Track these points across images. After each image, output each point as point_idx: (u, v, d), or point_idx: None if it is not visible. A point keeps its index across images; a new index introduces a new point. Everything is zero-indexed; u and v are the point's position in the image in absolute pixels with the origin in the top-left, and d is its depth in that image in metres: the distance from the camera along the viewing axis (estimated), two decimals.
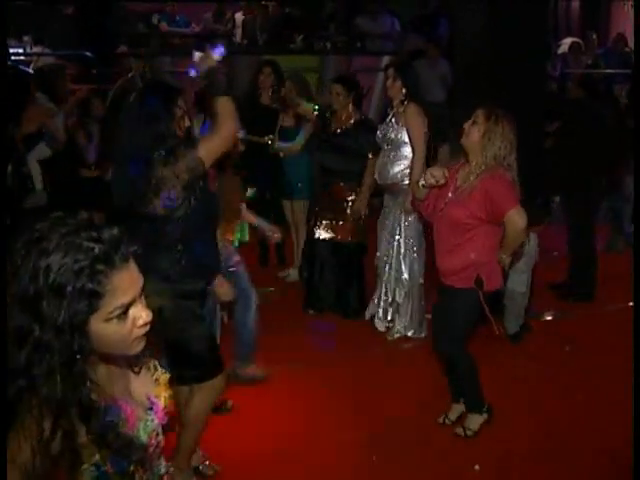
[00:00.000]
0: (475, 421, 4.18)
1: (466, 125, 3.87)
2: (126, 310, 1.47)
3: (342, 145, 5.62)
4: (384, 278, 5.43)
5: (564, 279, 6.32)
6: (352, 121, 5.64)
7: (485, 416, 4.19)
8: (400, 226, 5.31)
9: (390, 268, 5.38)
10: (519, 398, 4.57)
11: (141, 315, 1.50)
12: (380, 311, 5.50)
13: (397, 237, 5.31)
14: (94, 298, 1.40)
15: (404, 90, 5.16)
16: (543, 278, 6.00)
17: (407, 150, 5.20)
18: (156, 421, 1.69)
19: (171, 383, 1.77)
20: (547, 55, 7.83)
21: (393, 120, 5.26)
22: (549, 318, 5.84)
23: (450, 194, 3.87)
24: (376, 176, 5.39)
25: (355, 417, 4.35)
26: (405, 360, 5.17)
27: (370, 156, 5.51)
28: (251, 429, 4.18)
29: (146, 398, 1.68)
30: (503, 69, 5.39)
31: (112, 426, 1.53)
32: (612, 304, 6.03)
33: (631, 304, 5.90)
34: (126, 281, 1.45)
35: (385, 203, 5.52)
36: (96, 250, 1.40)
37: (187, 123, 3.34)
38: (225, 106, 3.28)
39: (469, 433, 4.15)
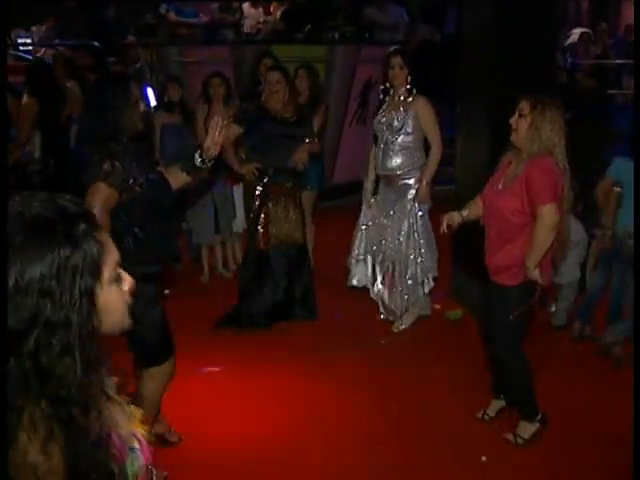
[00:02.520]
0: (528, 430, 4.02)
1: (512, 120, 3.75)
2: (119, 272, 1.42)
3: (295, 134, 5.43)
4: (394, 273, 5.40)
5: None
6: (294, 109, 5.44)
7: (538, 425, 4.04)
8: (411, 222, 5.25)
9: (397, 263, 5.34)
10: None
11: (127, 277, 1.45)
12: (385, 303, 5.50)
13: (407, 232, 5.24)
14: (96, 260, 1.33)
15: (409, 78, 5.14)
16: None
17: (409, 139, 5.19)
18: (142, 461, 1.50)
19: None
20: (556, 45, 7.78)
21: (401, 108, 5.18)
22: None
23: (500, 186, 3.81)
24: (377, 166, 5.34)
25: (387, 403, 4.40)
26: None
27: (308, 141, 5.42)
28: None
29: (131, 434, 1.49)
30: (511, 59, 5.35)
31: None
32: None
33: None
34: (109, 239, 1.41)
35: (383, 196, 5.42)
36: (76, 210, 1.34)
37: (142, 109, 3.53)
38: (183, 179, 3.52)
39: (519, 441, 4.00)
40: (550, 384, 4.38)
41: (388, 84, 5.26)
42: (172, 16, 10.55)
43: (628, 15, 12.43)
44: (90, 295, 1.33)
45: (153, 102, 7.20)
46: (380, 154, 5.31)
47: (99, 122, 3.32)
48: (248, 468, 3.74)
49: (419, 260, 5.26)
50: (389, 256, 5.37)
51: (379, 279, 5.52)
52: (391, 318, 5.49)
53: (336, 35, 9.13)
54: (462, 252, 5.83)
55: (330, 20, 9.32)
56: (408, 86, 5.16)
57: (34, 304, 1.27)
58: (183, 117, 6.44)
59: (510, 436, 4.03)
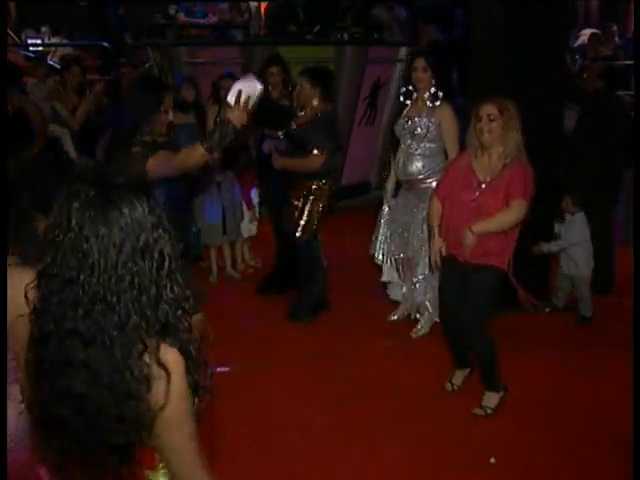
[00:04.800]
0: (494, 399, 4.27)
1: (483, 124, 3.99)
2: None
3: (300, 141, 5.40)
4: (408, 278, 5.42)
5: None
6: (314, 116, 5.39)
7: (502, 393, 4.28)
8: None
9: (412, 267, 5.35)
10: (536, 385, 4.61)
11: None
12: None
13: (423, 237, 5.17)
14: None
15: (434, 81, 5.07)
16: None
17: (432, 146, 5.12)
18: None
19: None
20: (566, 46, 7.76)
21: (425, 115, 5.09)
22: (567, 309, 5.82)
23: (483, 185, 4.04)
24: (398, 170, 5.28)
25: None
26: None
27: (315, 152, 5.30)
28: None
29: None
30: (521, 60, 5.34)
31: None
32: (631, 296, 5.96)
33: None
34: None
35: (404, 199, 5.35)
36: None
37: (169, 118, 3.79)
38: (198, 157, 3.53)
39: (489, 411, 4.24)
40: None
41: (411, 86, 5.20)
42: (182, 17, 10.60)
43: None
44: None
45: None
46: (401, 159, 5.23)
47: (125, 123, 3.46)
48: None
49: None
50: (410, 250, 5.32)
51: (400, 275, 5.58)
52: (413, 315, 5.49)
53: (345, 36, 9.13)
54: None
55: (339, 21, 9.33)
56: (433, 89, 5.08)
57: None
58: (197, 117, 6.50)
59: (478, 410, 4.23)
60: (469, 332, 4.22)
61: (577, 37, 10.54)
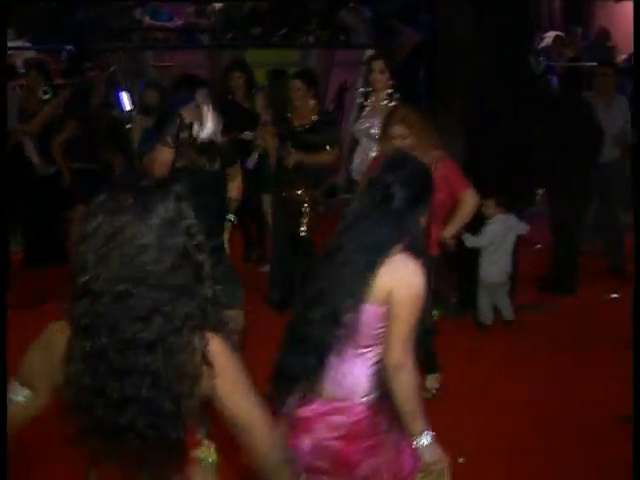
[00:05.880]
0: (435, 380, 4.48)
1: (401, 129, 4.06)
2: None
3: (308, 141, 5.47)
4: None
5: (547, 271, 6.34)
6: (315, 117, 5.50)
7: (438, 373, 4.50)
8: None
9: None
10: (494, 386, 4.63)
11: None
12: None
13: None
14: None
15: (391, 83, 5.09)
16: (526, 270, 6.02)
17: None
18: None
19: None
20: (530, 49, 7.83)
21: (381, 116, 5.11)
22: (531, 310, 5.83)
23: None
24: (353, 171, 5.33)
25: None
26: None
27: (328, 148, 5.45)
28: None
29: None
30: (486, 63, 5.39)
31: None
32: (594, 296, 6.07)
33: (614, 296, 5.98)
34: None
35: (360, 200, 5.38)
36: None
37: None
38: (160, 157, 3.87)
39: (434, 392, 4.43)
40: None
41: (370, 88, 5.24)
42: (147, 20, 10.49)
43: (601, 19, 12.57)
44: None
45: (128, 106, 7.18)
46: (357, 159, 5.28)
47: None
48: None
49: None
50: None
51: None
52: None
53: (311, 39, 9.14)
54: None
55: (305, 24, 9.34)
56: (389, 91, 5.10)
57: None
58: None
59: (427, 393, 4.30)
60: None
61: (541, 39, 10.63)
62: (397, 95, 5.11)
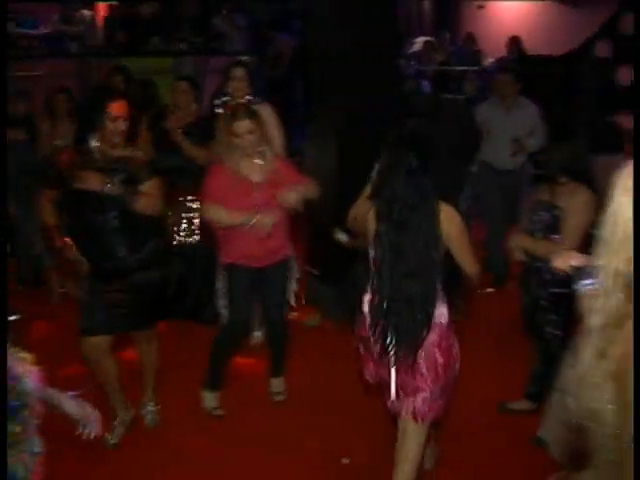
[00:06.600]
0: (281, 383, 4.61)
1: (245, 140, 4.09)
2: None
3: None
4: None
5: None
6: (192, 119, 5.37)
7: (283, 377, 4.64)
8: None
9: None
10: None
11: None
12: None
13: None
14: None
15: (249, 90, 5.08)
16: None
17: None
18: (31, 385, 2.32)
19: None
20: (399, 53, 8.03)
21: None
22: None
23: (260, 187, 4.15)
24: None
25: None
26: None
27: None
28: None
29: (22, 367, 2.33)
30: (355, 68, 5.46)
31: None
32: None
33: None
34: None
35: None
36: None
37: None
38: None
39: (285, 394, 4.58)
40: None
41: (227, 97, 5.16)
42: (12, 27, 10.06)
43: (468, 25, 13.06)
44: None
45: None
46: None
47: None
48: None
49: None
50: None
51: None
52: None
53: (184, 46, 9.05)
54: (315, 260, 5.91)
55: (178, 31, 9.24)
56: (248, 97, 5.08)
57: None
58: (28, 133, 6.21)
59: (277, 397, 4.55)
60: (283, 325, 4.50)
61: (412, 44, 10.94)
62: (258, 100, 5.11)
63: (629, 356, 1.44)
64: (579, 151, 4.11)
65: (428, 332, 3.10)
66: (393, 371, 3.17)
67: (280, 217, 4.18)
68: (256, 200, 4.12)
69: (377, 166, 3.43)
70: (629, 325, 1.49)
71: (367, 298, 3.26)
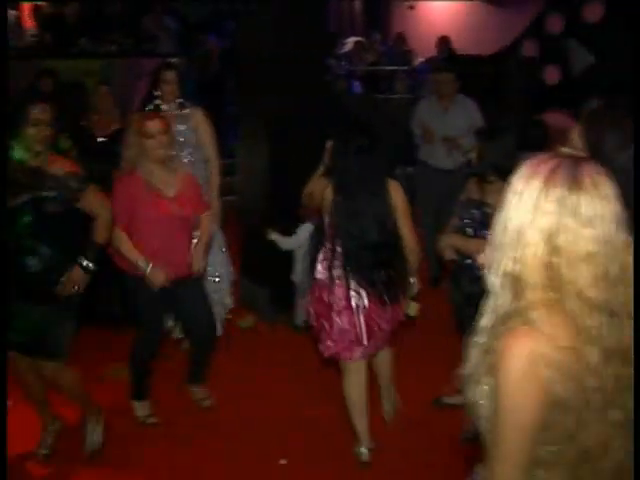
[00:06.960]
0: (203, 391, 4.58)
1: (156, 140, 3.97)
2: None
3: (112, 151, 5.12)
4: None
5: None
6: (117, 126, 5.33)
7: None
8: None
9: None
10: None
11: None
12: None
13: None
14: None
15: (179, 93, 4.97)
16: None
17: (197, 153, 5.01)
18: None
19: None
20: (330, 54, 8.08)
21: (180, 123, 4.91)
22: None
23: (172, 197, 4.04)
24: None
25: None
26: None
27: None
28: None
29: None
30: (286, 69, 5.47)
31: None
32: None
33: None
34: None
35: None
36: None
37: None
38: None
39: (210, 399, 4.55)
40: None
41: (159, 100, 5.05)
42: None
43: (399, 25, 13.21)
44: None
45: None
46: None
47: None
48: None
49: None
50: None
51: None
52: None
53: (114, 48, 8.91)
54: (249, 261, 5.90)
55: (106, 32, 9.08)
56: (179, 100, 4.98)
57: None
58: None
59: (204, 402, 4.53)
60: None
61: (343, 45, 11.01)
62: (188, 103, 5.05)
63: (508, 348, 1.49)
64: (510, 150, 4.17)
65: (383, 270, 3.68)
66: (362, 318, 3.70)
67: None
68: (168, 213, 4.01)
69: (328, 148, 3.86)
70: (513, 320, 1.54)
71: (320, 266, 3.75)
